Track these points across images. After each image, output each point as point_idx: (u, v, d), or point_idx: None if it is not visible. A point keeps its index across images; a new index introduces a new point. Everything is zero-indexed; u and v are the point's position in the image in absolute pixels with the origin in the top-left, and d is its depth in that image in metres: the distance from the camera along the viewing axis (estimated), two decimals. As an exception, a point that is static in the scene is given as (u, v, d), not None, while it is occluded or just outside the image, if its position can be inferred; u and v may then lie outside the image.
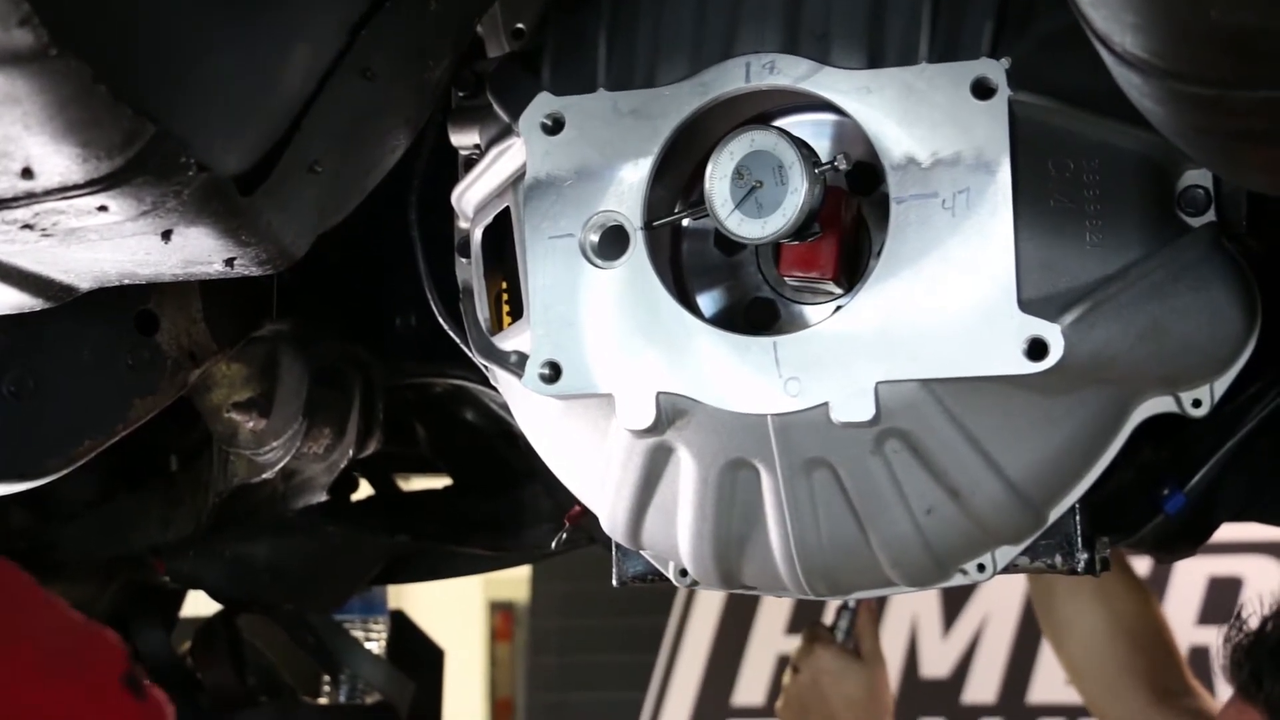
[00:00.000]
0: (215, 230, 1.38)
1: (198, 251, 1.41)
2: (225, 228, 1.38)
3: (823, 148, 1.58)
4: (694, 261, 1.68)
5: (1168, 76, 1.09)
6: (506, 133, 1.67)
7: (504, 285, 1.78)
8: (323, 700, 3.37)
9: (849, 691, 2.62)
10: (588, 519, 1.86)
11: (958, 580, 1.69)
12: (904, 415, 1.51)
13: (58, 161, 1.18)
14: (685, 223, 1.65)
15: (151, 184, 1.25)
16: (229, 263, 1.45)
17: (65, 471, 1.84)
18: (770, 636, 5.79)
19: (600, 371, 1.57)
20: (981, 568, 1.68)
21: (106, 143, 1.18)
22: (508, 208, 1.69)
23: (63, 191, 1.22)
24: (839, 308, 1.53)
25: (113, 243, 1.37)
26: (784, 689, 2.72)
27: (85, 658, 1.08)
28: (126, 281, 1.51)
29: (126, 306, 1.86)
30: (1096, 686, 2.75)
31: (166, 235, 1.36)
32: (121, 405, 1.85)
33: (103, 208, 1.26)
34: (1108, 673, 2.71)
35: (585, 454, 1.69)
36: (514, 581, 6.89)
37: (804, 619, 5.36)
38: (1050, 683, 5.40)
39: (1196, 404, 1.60)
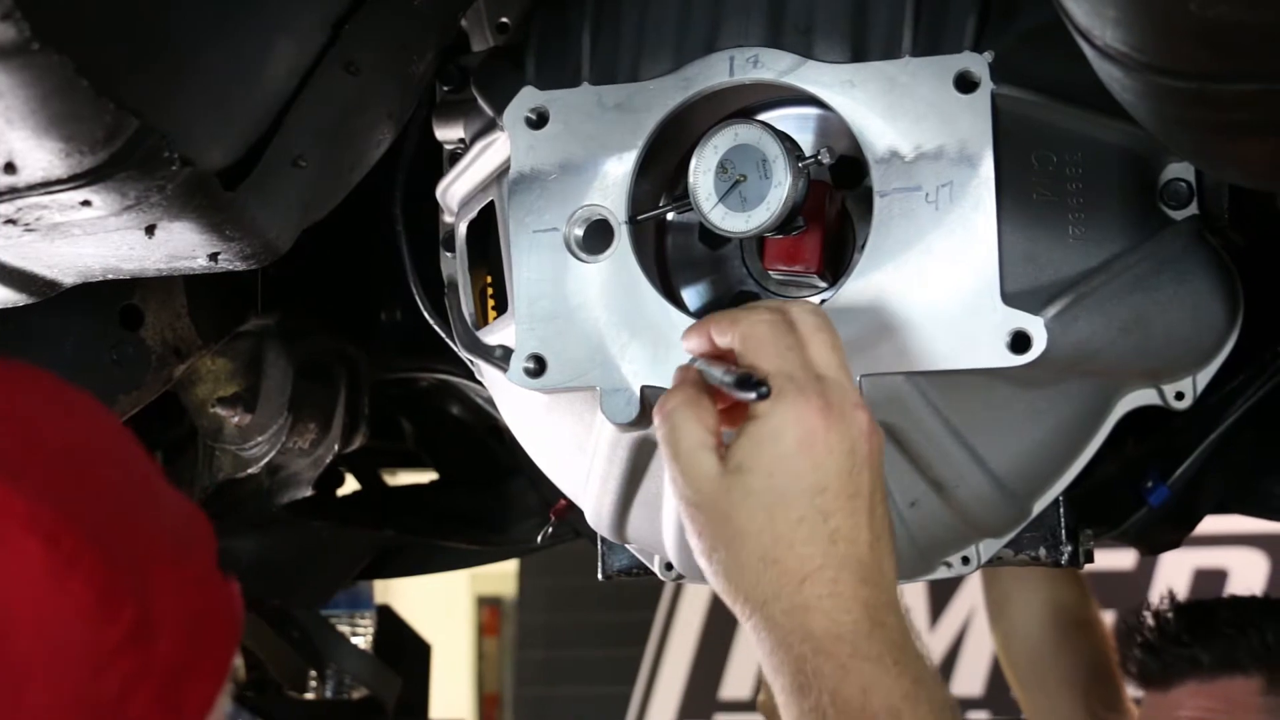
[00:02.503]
0: (199, 225, 1.37)
1: (181, 246, 1.41)
2: (209, 222, 1.38)
3: (807, 141, 1.58)
4: (678, 256, 1.68)
5: (1148, 70, 1.09)
6: (491, 127, 1.67)
7: (489, 279, 1.78)
8: (309, 696, 3.37)
9: None
10: (573, 513, 1.86)
11: (942, 573, 1.70)
12: (888, 408, 1.51)
13: (40, 156, 1.18)
14: (670, 217, 1.65)
15: (135, 179, 1.25)
16: (213, 257, 1.45)
17: (49, 467, 1.83)
18: (757, 630, 5.79)
19: (585, 365, 1.57)
20: (966, 560, 1.68)
21: (89, 137, 1.18)
22: (492, 202, 1.69)
23: (46, 186, 1.22)
24: (823, 301, 1.53)
25: (96, 238, 1.37)
26: (766, 682, 2.72)
27: (194, 533, 1.09)
28: (110, 276, 1.50)
29: (111, 301, 1.85)
30: (1035, 694, 2.77)
31: (150, 230, 1.36)
32: (105, 401, 1.84)
33: (86, 202, 1.26)
34: (1048, 681, 2.73)
35: (570, 448, 1.70)
36: (502, 576, 6.88)
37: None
38: (1036, 675, 5.41)
39: (1179, 396, 1.61)
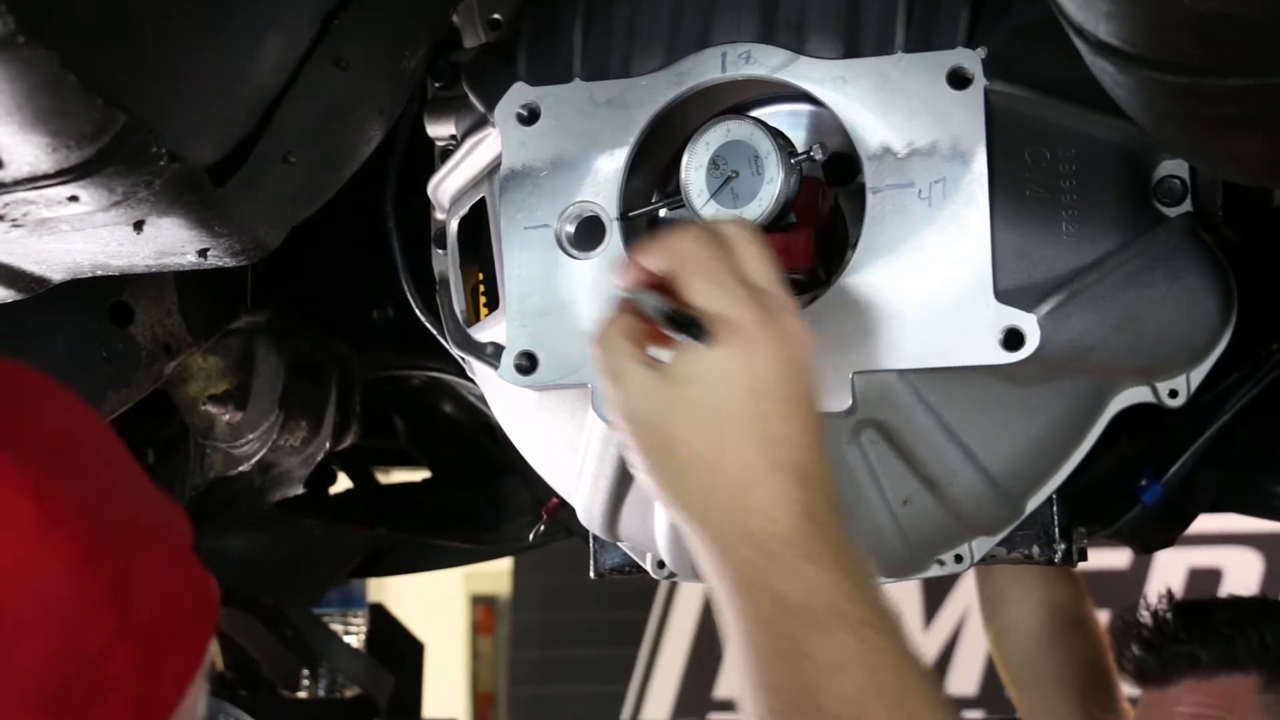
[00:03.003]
0: (188, 221, 1.37)
1: (170, 242, 1.41)
2: (198, 218, 1.37)
3: (799, 138, 1.57)
4: (671, 252, 1.67)
5: (1140, 64, 1.09)
6: (482, 123, 1.67)
7: (480, 276, 1.77)
8: (302, 694, 3.37)
9: None
10: (565, 511, 1.85)
11: (935, 571, 1.69)
12: (880, 405, 1.51)
13: (27, 151, 1.17)
14: (662, 213, 1.65)
15: (122, 174, 1.24)
16: (202, 253, 1.44)
17: (39, 465, 1.82)
18: (752, 629, 5.78)
19: (576, 362, 1.56)
20: (959, 558, 1.68)
21: (76, 132, 1.17)
22: (484, 198, 1.68)
23: (32, 181, 1.22)
24: (816, 298, 1.53)
25: (84, 233, 1.36)
26: None
27: (173, 522, 1.11)
28: (99, 273, 1.50)
29: (100, 298, 1.85)
30: (1030, 693, 2.77)
31: (139, 226, 1.35)
32: (95, 398, 1.84)
33: (73, 198, 1.26)
34: (1043, 680, 2.72)
35: (561, 445, 1.69)
36: (496, 575, 6.88)
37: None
38: (1031, 675, 5.41)
39: (1173, 394, 1.60)
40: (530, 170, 1.59)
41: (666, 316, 1.30)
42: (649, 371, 1.30)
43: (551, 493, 1.83)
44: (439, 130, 1.77)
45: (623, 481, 1.65)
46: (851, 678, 1.20)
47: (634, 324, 1.33)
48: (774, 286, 1.31)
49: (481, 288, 1.78)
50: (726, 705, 5.80)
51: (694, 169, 1.50)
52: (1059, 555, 1.68)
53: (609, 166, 1.56)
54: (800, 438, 1.28)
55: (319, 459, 2.28)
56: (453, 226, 1.76)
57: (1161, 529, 2.06)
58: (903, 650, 1.23)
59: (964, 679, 5.72)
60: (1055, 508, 1.66)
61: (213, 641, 1.14)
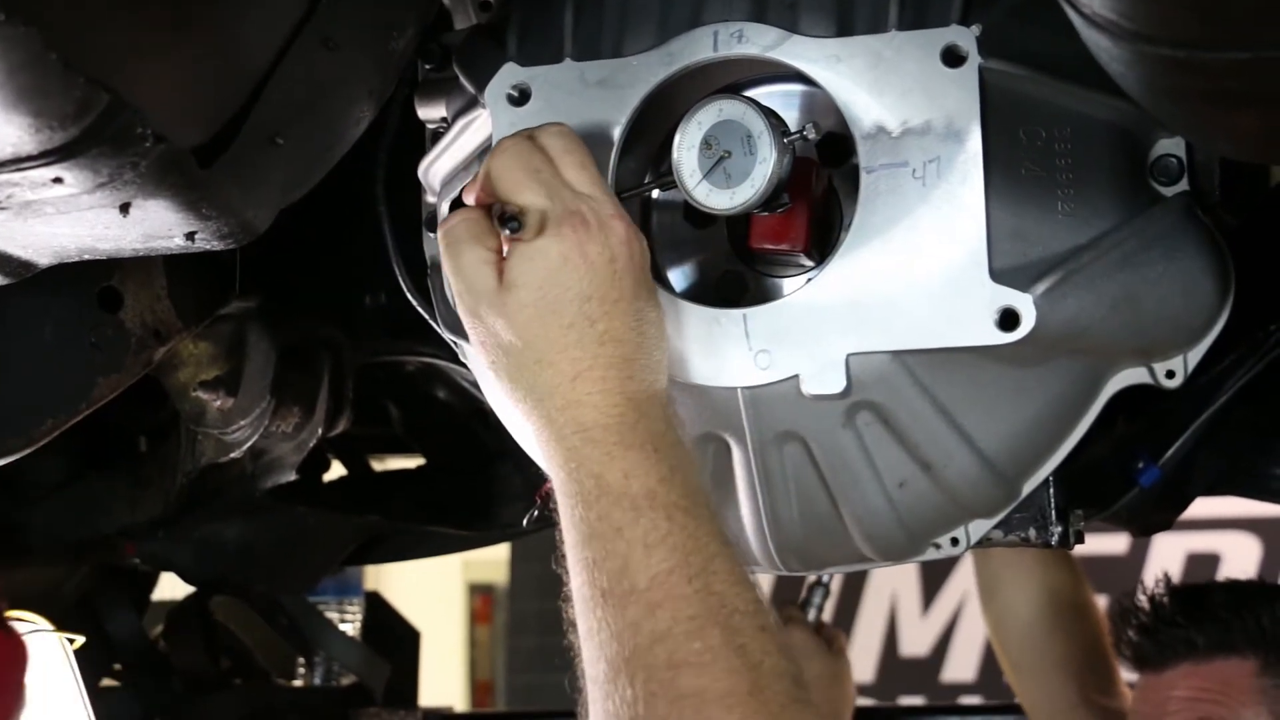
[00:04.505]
0: (174, 203, 1.36)
1: (157, 225, 1.40)
2: (185, 200, 1.36)
3: (792, 118, 1.56)
4: (664, 235, 1.66)
5: (1136, 38, 1.08)
6: (473, 104, 1.65)
7: (472, 260, 1.76)
8: (297, 682, 3.36)
9: (814, 671, 2.66)
10: (558, 496, 1.84)
11: (931, 554, 1.68)
12: (875, 387, 1.50)
13: (9, 132, 1.16)
14: (655, 195, 1.64)
15: (107, 155, 1.23)
16: (190, 237, 1.43)
17: (27, 452, 1.81)
18: (750, 616, 5.78)
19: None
20: (955, 541, 1.67)
21: (59, 112, 1.16)
22: (475, 181, 1.67)
23: (16, 163, 1.20)
24: (810, 279, 1.52)
25: (70, 216, 1.35)
26: None
27: None
28: (86, 257, 1.49)
29: (89, 283, 1.83)
30: (1028, 678, 2.77)
31: (125, 208, 1.34)
32: (85, 384, 1.83)
33: (58, 179, 1.24)
34: (1042, 665, 2.73)
35: (554, 429, 1.68)
36: (493, 564, 6.88)
37: (783, 597, 5.36)
38: (1029, 660, 5.41)
39: (1170, 375, 1.59)
40: (521, 152, 1.57)
41: (490, 211, 1.41)
42: (491, 271, 1.40)
43: (545, 478, 1.82)
44: (430, 112, 1.76)
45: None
46: (659, 555, 1.32)
47: (479, 219, 1.42)
48: (595, 190, 1.41)
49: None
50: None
51: (686, 149, 1.49)
52: (1056, 538, 1.67)
53: (601, 147, 1.55)
54: (629, 334, 1.39)
55: (311, 445, 2.27)
56: (444, 209, 1.75)
57: (1159, 511, 2.05)
58: (710, 530, 1.35)
59: (962, 664, 5.72)
60: (1052, 490, 1.65)
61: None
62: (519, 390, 1.41)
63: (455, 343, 1.77)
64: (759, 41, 1.51)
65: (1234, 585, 2.26)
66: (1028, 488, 1.63)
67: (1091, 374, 1.58)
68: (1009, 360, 1.51)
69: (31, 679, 1.92)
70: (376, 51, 1.52)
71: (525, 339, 1.39)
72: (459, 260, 1.41)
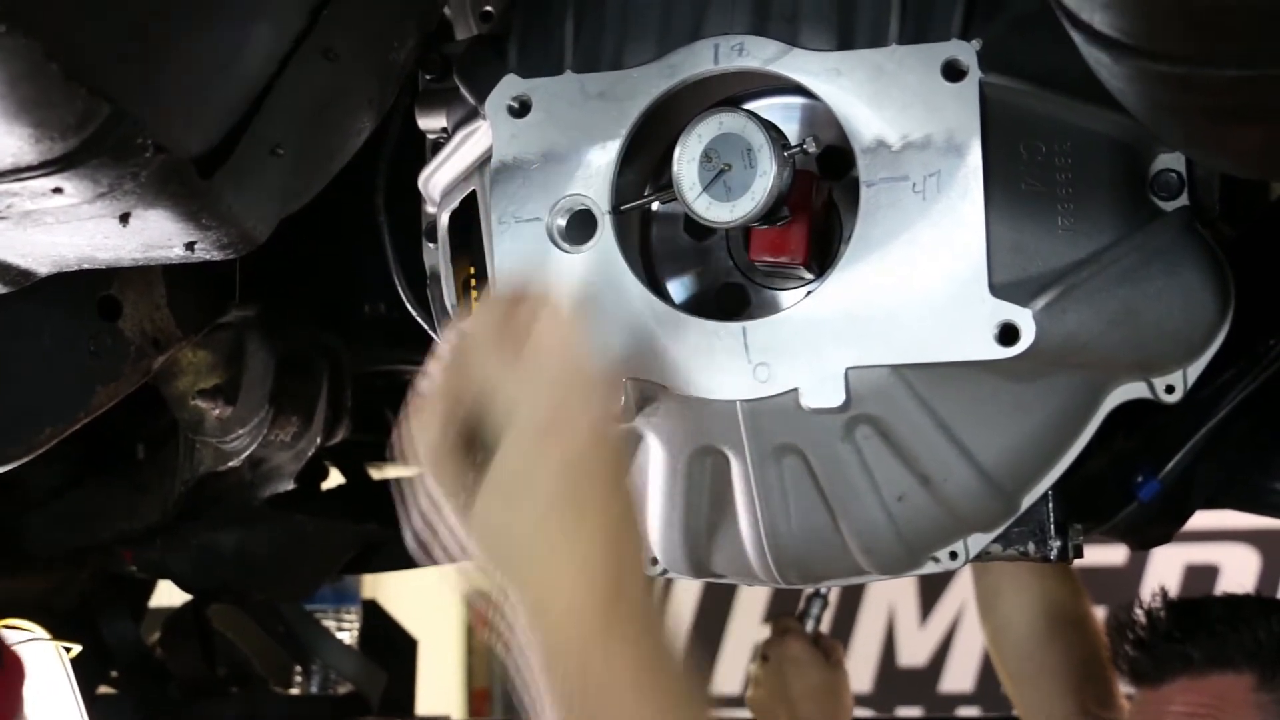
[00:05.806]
0: (174, 213, 1.36)
1: (157, 235, 1.39)
2: (185, 211, 1.36)
3: (793, 131, 1.56)
4: (664, 247, 1.66)
5: (1136, 55, 1.08)
6: (473, 115, 1.66)
7: (472, 270, 1.76)
8: (294, 691, 3.36)
9: (812, 682, 2.65)
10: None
11: (929, 568, 1.68)
12: (874, 401, 1.50)
13: (10, 142, 1.16)
14: (655, 207, 1.64)
15: (108, 165, 1.23)
16: (189, 247, 1.43)
17: (25, 460, 1.81)
18: (748, 626, 5.79)
19: (567, 356, 1.55)
20: (954, 555, 1.66)
21: (60, 123, 1.16)
22: (475, 191, 1.67)
23: (16, 173, 1.20)
24: (809, 293, 1.52)
25: (70, 226, 1.35)
26: (753, 676, 2.73)
27: None
28: (86, 266, 1.49)
29: (88, 292, 1.83)
30: (1027, 690, 2.76)
31: (124, 218, 1.34)
32: (83, 392, 1.83)
33: (58, 190, 1.24)
34: (1040, 677, 2.72)
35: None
36: (491, 572, 6.86)
37: (781, 609, 5.36)
38: (1027, 671, 5.41)
39: (1170, 390, 1.59)
40: (521, 163, 1.58)
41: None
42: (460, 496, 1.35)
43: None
44: (430, 123, 1.76)
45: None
46: None
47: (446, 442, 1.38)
48: (565, 375, 1.33)
49: (473, 281, 1.77)
50: (722, 702, 5.79)
51: (686, 162, 1.49)
52: (1055, 552, 1.66)
53: (601, 159, 1.55)
54: (595, 535, 1.31)
55: (310, 454, 2.27)
56: (444, 220, 1.75)
57: (1158, 525, 2.05)
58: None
59: (960, 674, 5.72)
60: (1051, 504, 1.65)
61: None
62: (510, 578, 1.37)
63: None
64: (760, 55, 1.51)
65: (1231, 599, 2.25)
66: (1027, 502, 1.63)
67: (1091, 388, 1.58)
68: (1008, 375, 1.51)
69: (28, 689, 1.92)
70: (377, 62, 1.52)
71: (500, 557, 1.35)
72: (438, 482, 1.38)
